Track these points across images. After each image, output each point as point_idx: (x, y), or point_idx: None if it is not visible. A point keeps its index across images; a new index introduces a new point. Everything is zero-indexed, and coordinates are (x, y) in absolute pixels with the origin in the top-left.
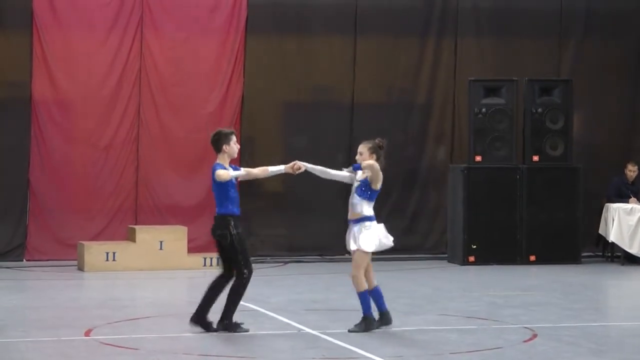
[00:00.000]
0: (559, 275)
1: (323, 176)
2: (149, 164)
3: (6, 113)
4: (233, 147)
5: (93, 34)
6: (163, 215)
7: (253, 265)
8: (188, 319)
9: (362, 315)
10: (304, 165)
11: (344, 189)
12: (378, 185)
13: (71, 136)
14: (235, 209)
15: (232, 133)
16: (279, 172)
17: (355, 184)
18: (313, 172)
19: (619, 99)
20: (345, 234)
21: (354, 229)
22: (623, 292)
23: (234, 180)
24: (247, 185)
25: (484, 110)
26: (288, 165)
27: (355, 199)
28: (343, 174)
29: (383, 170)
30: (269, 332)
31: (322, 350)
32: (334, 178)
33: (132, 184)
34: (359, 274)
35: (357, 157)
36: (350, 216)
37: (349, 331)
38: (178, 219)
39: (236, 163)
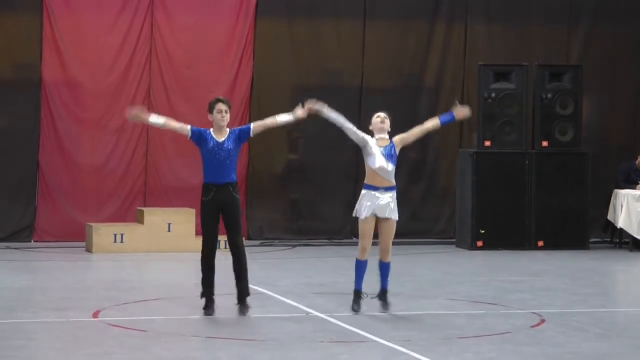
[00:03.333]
0: (567, 260)
1: (336, 124)
2: (159, 147)
3: (16, 95)
4: (215, 115)
5: (103, 16)
6: (171, 198)
7: (260, 248)
8: (195, 300)
9: (382, 290)
10: (319, 105)
11: (352, 171)
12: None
13: (81, 118)
14: (206, 177)
15: (216, 102)
16: (289, 122)
17: (384, 151)
18: (328, 116)
19: (628, 85)
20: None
21: (388, 195)
22: (631, 277)
23: (210, 147)
24: (253, 168)
25: (493, 95)
26: (298, 111)
27: (390, 167)
28: (356, 131)
29: None
30: (277, 315)
31: (329, 333)
32: (346, 131)
33: (141, 166)
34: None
35: (381, 125)
36: (381, 183)
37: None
38: (186, 201)
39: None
